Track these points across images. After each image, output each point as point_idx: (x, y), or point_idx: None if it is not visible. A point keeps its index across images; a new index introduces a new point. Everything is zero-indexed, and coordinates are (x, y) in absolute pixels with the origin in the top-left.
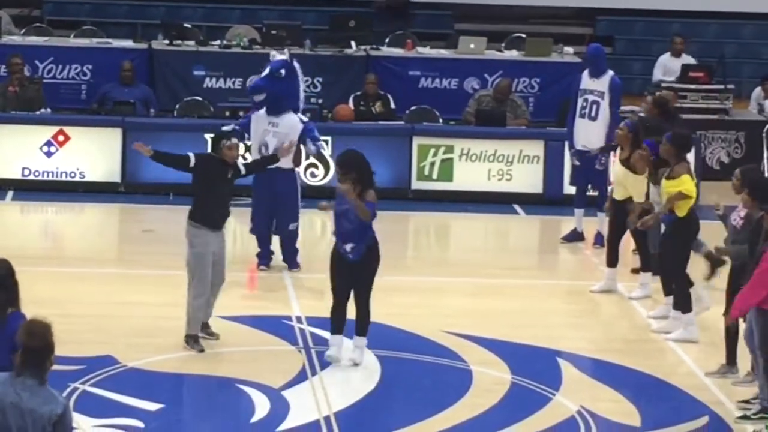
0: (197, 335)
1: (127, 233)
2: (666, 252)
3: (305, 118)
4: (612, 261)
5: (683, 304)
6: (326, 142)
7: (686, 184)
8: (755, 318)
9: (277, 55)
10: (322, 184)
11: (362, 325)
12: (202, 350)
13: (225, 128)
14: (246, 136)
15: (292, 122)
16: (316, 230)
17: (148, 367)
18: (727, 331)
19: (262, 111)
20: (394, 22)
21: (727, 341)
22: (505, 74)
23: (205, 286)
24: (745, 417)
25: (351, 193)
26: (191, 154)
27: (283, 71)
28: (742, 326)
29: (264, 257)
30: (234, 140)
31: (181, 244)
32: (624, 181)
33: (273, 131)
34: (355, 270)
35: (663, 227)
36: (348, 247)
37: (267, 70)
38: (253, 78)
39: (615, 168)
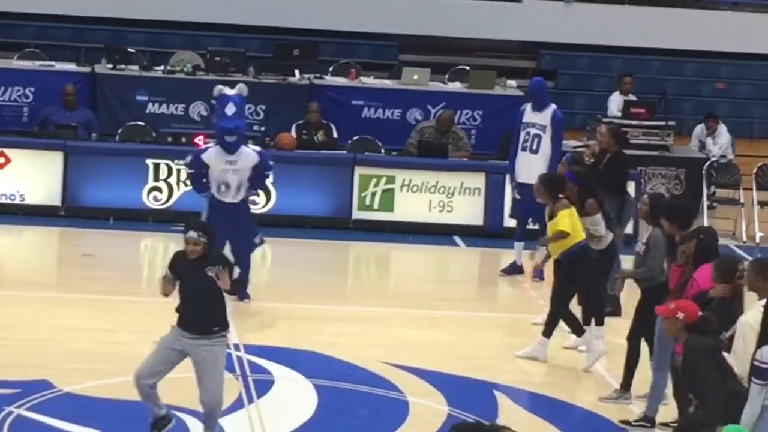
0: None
1: (66, 257)
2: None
3: (258, 148)
4: None
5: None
6: None
7: (560, 223)
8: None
9: (225, 89)
10: (263, 212)
11: None
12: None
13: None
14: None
15: (249, 157)
16: (255, 258)
17: (84, 392)
18: (629, 356)
19: (215, 148)
20: None
21: (628, 365)
22: (448, 106)
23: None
24: (627, 422)
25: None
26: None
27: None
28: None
29: None
30: (191, 233)
31: (121, 268)
32: None
33: (232, 169)
34: None
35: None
36: None
37: (235, 108)
38: (223, 112)
39: None
